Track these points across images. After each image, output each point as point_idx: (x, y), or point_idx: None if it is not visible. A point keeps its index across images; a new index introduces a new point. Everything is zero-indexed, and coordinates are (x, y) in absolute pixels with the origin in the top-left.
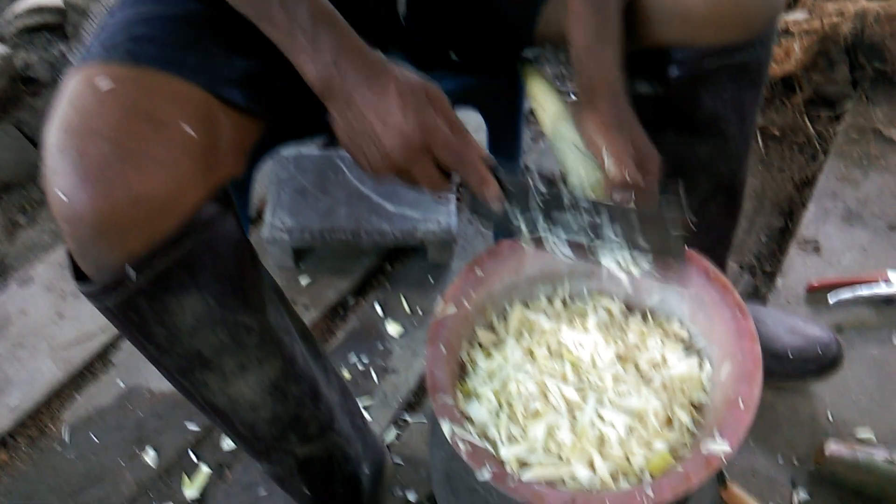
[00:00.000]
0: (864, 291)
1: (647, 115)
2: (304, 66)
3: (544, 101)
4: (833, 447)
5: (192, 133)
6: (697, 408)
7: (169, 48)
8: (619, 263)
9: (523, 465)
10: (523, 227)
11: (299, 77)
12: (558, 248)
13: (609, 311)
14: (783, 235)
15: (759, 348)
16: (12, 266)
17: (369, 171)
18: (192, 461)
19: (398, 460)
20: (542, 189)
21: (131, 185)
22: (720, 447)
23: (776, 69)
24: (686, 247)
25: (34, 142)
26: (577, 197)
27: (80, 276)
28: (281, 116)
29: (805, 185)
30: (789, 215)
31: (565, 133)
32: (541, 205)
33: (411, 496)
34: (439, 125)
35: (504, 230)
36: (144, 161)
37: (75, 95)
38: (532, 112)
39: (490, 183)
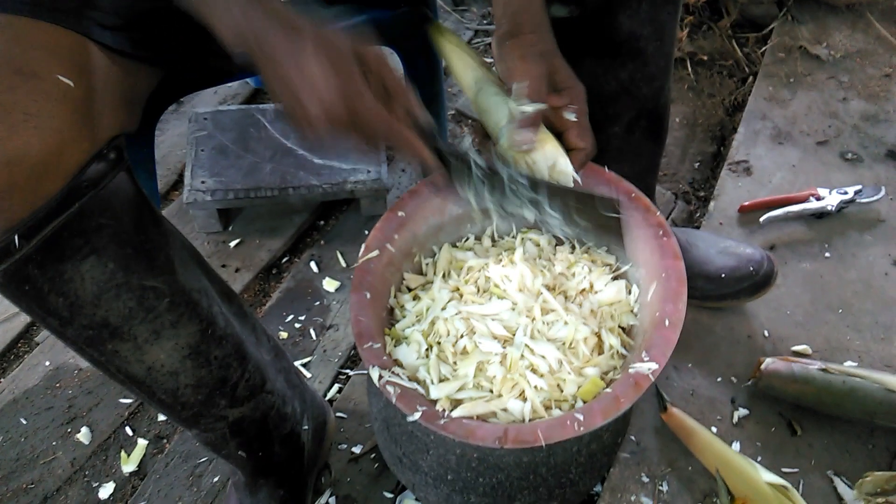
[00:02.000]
0: (795, 208)
1: (564, 40)
2: (212, 20)
3: (460, 62)
4: (769, 363)
5: (70, 83)
6: (627, 331)
7: None
8: (564, 235)
9: (455, 403)
10: (471, 199)
11: (188, 20)
12: (507, 220)
13: (537, 244)
14: (716, 161)
15: (682, 266)
16: None
17: (301, 135)
18: (128, 435)
19: (342, 415)
20: (482, 164)
21: (4, 145)
22: (648, 366)
23: None
24: (622, 223)
25: None
26: (514, 174)
27: None
28: (175, 62)
29: (736, 108)
30: (721, 140)
31: (488, 91)
32: (482, 179)
33: (356, 449)
34: (364, 94)
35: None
36: (17, 117)
37: None
38: (448, 73)
39: (426, 156)
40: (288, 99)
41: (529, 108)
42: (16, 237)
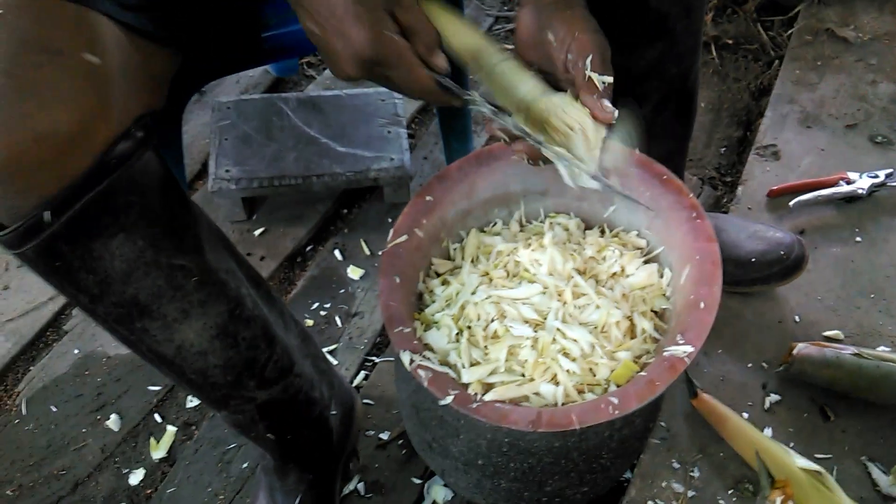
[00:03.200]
0: (825, 192)
1: (596, 18)
2: None
3: (455, 27)
4: (801, 347)
5: (96, 61)
6: (660, 315)
7: None
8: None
9: (487, 387)
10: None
11: (209, 4)
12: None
13: (566, 228)
14: (742, 145)
15: (717, 248)
16: None
17: (334, 73)
18: (157, 422)
19: (368, 401)
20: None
21: (34, 122)
22: (683, 349)
23: None
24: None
25: None
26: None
27: None
28: (196, 47)
29: (762, 93)
30: (747, 125)
31: (504, 63)
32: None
33: (384, 435)
34: (396, 47)
35: None
36: (46, 94)
37: None
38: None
39: (438, 97)
40: (325, 46)
41: (608, 79)
42: (46, 213)
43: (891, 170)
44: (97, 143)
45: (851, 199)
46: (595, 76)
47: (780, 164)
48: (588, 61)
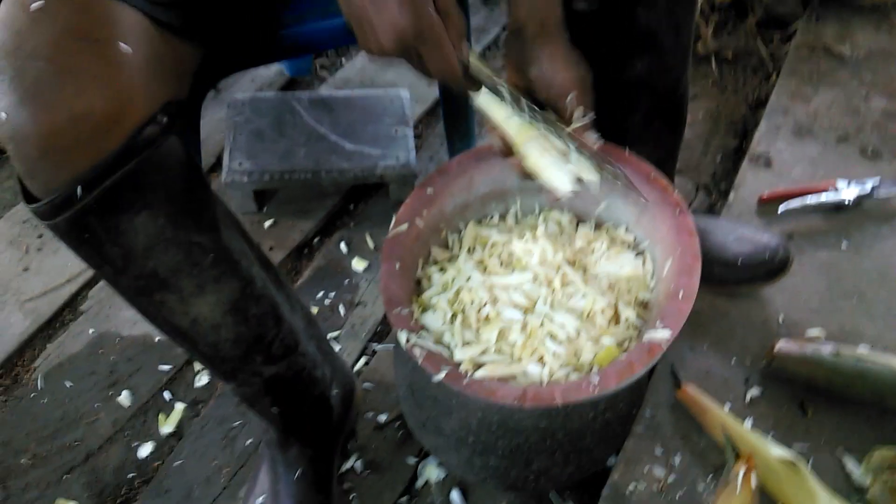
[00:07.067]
0: (813, 200)
1: (584, 33)
2: None
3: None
4: (782, 345)
5: (129, 50)
6: (643, 304)
7: None
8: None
9: (478, 366)
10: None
11: (231, 2)
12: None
13: (559, 222)
14: (737, 154)
15: (697, 242)
16: None
17: (369, 54)
18: (166, 399)
19: (368, 385)
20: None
21: (71, 103)
22: (661, 334)
23: None
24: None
25: None
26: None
27: (30, 199)
28: (218, 42)
29: (759, 104)
30: (743, 135)
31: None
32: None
33: (382, 417)
34: (434, 25)
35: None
36: (83, 79)
37: (7, 16)
38: None
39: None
40: (363, 20)
41: (590, 116)
42: (79, 188)
43: (877, 180)
44: (126, 126)
45: (839, 207)
46: (578, 112)
47: (772, 172)
48: (570, 99)
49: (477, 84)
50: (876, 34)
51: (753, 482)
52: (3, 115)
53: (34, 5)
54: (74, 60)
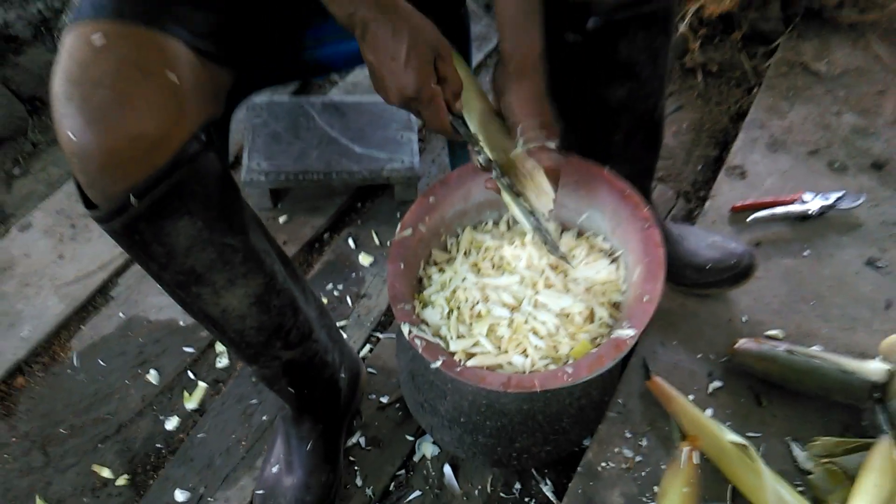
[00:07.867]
0: (780, 210)
1: (572, 61)
2: (330, 5)
3: (468, 91)
4: (742, 342)
5: (176, 80)
6: (616, 306)
7: (149, 5)
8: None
9: (470, 356)
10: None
11: (261, 31)
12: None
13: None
14: (717, 164)
15: (662, 252)
16: (12, 213)
17: (382, 97)
18: (191, 378)
19: (372, 370)
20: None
21: (129, 126)
22: (627, 332)
23: (714, 7)
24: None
25: (21, 97)
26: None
27: (89, 205)
28: (249, 65)
29: (740, 117)
30: (724, 146)
31: (472, 103)
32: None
33: (384, 399)
34: (434, 95)
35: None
36: (139, 105)
37: (74, 50)
38: None
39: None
40: (377, 76)
41: (550, 144)
42: (132, 197)
43: (842, 193)
44: (173, 145)
45: (804, 217)
46: (541, 140)
47: (746, 183)
48: (520, 128)
49: (461, 137)
50: (852, 52)
51: (696, 459)
52: (71, 135)
53: (97, 40)
54: (132, 89)
